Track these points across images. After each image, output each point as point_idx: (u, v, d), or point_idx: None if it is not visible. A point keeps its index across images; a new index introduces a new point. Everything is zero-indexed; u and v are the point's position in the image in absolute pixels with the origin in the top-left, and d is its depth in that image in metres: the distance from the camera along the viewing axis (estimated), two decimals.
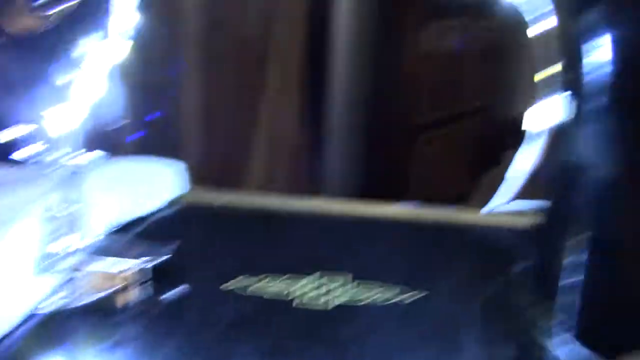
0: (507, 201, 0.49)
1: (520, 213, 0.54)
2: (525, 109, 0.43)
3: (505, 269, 0.52)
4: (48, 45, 0.40)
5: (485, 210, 0.51)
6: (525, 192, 0.49)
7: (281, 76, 1.39)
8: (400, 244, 0.56)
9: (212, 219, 0.63)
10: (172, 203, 0.64)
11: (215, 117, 1.13)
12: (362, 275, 0.48)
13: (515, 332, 0.43)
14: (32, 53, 0.40)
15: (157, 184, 0.64)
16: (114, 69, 0.45)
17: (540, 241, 0.46)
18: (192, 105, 1.10)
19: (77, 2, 0.39)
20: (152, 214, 0.61)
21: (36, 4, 0.37)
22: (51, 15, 0.38)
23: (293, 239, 0.57)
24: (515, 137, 0.45)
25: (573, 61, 0.40)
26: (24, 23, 0.38)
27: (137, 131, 0.93)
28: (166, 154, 0.69)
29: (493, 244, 0.57)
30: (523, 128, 0.44)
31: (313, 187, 1.58)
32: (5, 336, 0.40)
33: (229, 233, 0.60)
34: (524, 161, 0.45)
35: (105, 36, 0.43)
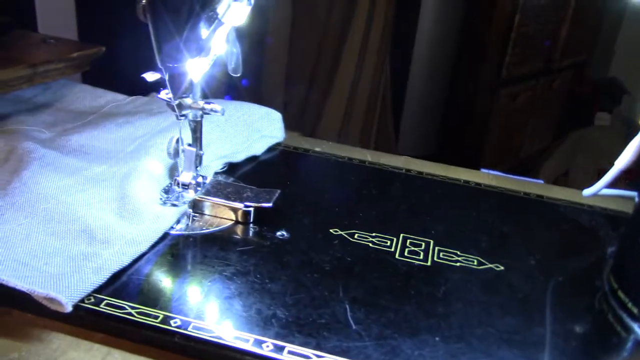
0: (604, 186, 0.51)
1: (616, 199, 0.57)
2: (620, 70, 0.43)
3: (592, 249, 0.55)
4: (194, 6, 0.45)
5: (586, 192, 0.53)
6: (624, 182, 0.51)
7: (364, 30, 1.40)
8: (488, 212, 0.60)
9: (309, 165, 0.68)
10: (270, 148, 0.69)
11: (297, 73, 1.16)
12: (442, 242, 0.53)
13: (591, 311, 0.47)
14: (181, 12, 0.45)
15: (261, 130, 0.69)
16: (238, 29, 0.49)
17: (625, 230, 0.49)
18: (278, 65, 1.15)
19: None
20: (256, 156, 0.66)
21: None
22: None
23: (382, 194, 0.62)
24: (609, 97, 0.45)
25: None
26: None
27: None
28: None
29: (583, 223, 0.60)
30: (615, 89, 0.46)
31: (388, 144, 1.61)
32: (144, 253, 0.46)
33: (325, 181, 0.64)
34: (628, 153, 0.47)
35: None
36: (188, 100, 0.50)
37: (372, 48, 1.54)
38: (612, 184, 0.51)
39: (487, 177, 0.71)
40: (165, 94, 0.50)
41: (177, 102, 0.50)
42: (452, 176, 0.68)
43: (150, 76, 0.50)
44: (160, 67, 0.48)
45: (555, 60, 2.09)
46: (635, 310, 0.45)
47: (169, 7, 0.46)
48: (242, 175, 0.62)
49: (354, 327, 0.41)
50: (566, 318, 0.45)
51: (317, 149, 0.72)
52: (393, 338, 0.41)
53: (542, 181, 0.75)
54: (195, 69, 0.49)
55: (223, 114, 0.51)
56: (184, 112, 0.51)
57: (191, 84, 0.50)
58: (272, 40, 1.41)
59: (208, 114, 0.51)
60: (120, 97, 0.77)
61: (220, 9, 0.47)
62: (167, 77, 0.48)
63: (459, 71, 2.04)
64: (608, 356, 0.43)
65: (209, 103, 0.51)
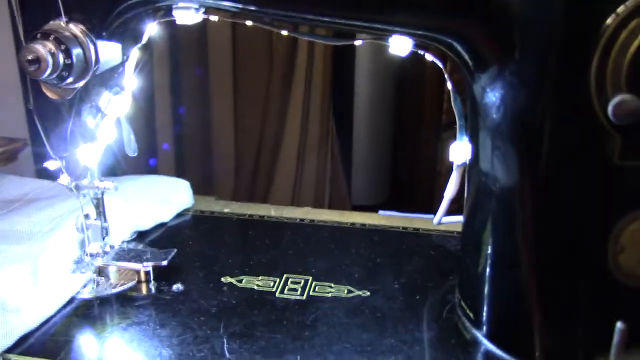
0: (443, 215, 0.60)
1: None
2: None
3: (452, 269, 0.64)
4: (79, 99, 0.54)
5: (434, 221, 0.62)
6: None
7: (304, 93, 1.51)
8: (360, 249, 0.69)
9: (213, 225, 0.76)
10: (180, 214, 0.77)
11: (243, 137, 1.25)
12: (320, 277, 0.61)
13: (439, 320, 0.55)
14: (69, 105, 0.54)
15: (169, 198, 0.77)
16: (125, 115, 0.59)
17: (462, 250, 0.58)
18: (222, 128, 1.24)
19: (100, 71, 0.52)
20: (165, 223, 0.74)
21: (61, 85, 0.50)
22: (75, 87, 0.51)
23: (273, 243, 0.70)
24: None
25: (471, 113, 0.52)
26: (55, 92, 0.52)
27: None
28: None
29: (449, 248, 0.69)
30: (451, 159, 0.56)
31: (339, 200, 1.69)
32: (52, 317, 0.54)
33: (223, 238, 0.73)
34: (452, 184, 0.57)
35: (119, 92, 0.57)
36: (84, 182, 0.59)
37: (314, 108, 1.64)
38: (450, 211, 0.60)
39: (379, 218, 0.80)
40: (64, 179, 0.58)
41: (73, 184, 0.58)
42: (344, 220, 0.77)
43: (52, 164, 0.58)
44: (53, 156, 0.56)
45: None
46: (472, 315, 0.53)
47: (51, 103, 0.55)
48: (151, 241, 0.70)
49: (227, 356, 0.49)
50: (415, 328, 0.54)
51: (226, 210, 0.80)
52: None
53: (433, 216, 0.85)
54: (88, 154, 0.57)
55: (116, 190, 0.60)
56: (82, 192, 0.59)
57: (85, 167, 0.58)
58: (217, 113, 1.50)
59: (104, 191, 0.60)
60: (45, 183, 0.85)
61: (102, 102, 0.56)
62: (62, 164, 0.57)
63: (402, 121, 2.16)
64: (450, 354, 0.51)
65: (102, 181, 0.59)
